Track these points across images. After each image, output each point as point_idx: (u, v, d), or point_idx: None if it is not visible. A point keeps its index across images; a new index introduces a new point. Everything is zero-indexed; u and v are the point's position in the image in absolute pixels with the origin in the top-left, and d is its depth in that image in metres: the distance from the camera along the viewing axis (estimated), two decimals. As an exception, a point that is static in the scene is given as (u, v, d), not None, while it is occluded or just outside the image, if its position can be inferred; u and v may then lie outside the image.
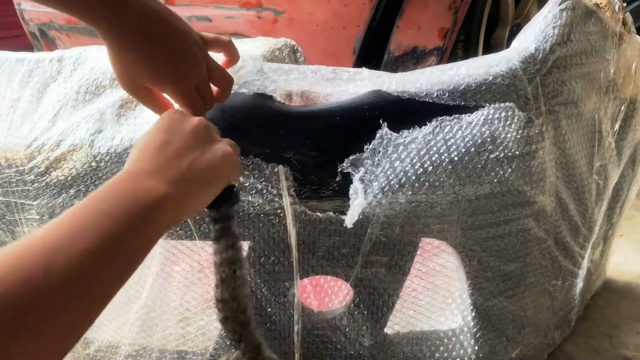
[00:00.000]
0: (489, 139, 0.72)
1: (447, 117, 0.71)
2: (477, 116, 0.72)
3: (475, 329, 0.84)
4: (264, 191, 0.69)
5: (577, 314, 1.09)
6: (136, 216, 0.42)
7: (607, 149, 0.91)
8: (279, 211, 0.71)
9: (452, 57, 1.59)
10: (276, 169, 0.69)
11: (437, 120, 0.71)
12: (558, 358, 1.04)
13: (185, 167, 0.49)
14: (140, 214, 0.43)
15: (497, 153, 0.72)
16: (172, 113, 0.55)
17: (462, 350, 0.85)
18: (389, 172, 0.69)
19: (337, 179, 0.70)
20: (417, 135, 0.71)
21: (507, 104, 0.73)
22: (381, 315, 0.79)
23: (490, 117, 0.72)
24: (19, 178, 0.77)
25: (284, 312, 0.77)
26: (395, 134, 0.70)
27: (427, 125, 0.71)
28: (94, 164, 0.74)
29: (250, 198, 0.69)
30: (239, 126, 0.71)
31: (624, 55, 0.90)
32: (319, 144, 0.71)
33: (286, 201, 0.69)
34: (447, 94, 0.72)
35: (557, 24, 0.77)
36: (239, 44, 0.79)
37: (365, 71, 0.77)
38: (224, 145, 0.54)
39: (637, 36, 0.95)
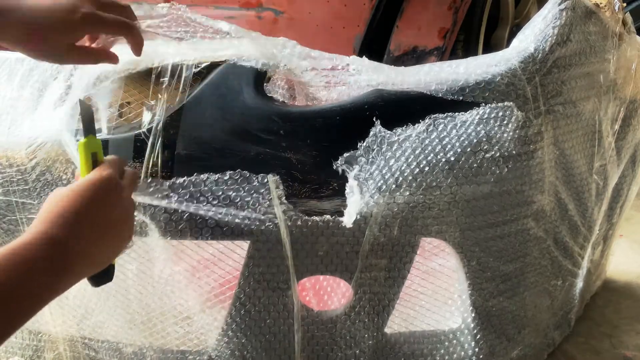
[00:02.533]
0: (484, 139, 0.71)
1: (440, 115, 0.71)
2: (472, 115, 0.72)
3: (475, 330, 0.84)
4: (256, 204, 0.69)
5: (577, 314, 1.09)
6: (37, 285, 0.46)
7: (607, 149, 0.91)
8: (274, 219, 0.70)
9: (452, 57, 1.59)
10: (266, 180, 0.68)
11: (430, 118, 0.71)
12: (558, 358, 1.04)
13: (97, 252, 0.52)
14: (42, 284, 0.46)
15: (493, 152, 0.72)
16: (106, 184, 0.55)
17: (462, 351, 0.85)
18: (384, 171, 0.69)
19: (337, 179, 0.70)
20: (411, 134, 0.70)
21: (506, 103, 0.73)
22: (381, 319, 0.79)
23: (485, 116, 0.72)
24: (20, 177, 0.77)
25: (284, 322, 0.76)
26: (389, 132, 0.70)
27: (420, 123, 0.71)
28: (94, 163, 0.74)
29: (242, 212, 0.69)
30: (239, 126, 0.72)
31: (624, 55, 0.90)
32: (319, 144, 0.71)
33: (278, 211, 0.69)
34: (445, 92, 0.72)
35: (556, 24, 0.77)
36: (239, 44, 0.79)
37: (365, 60, 0.78)
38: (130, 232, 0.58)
39: (637, 36, 0.96)
